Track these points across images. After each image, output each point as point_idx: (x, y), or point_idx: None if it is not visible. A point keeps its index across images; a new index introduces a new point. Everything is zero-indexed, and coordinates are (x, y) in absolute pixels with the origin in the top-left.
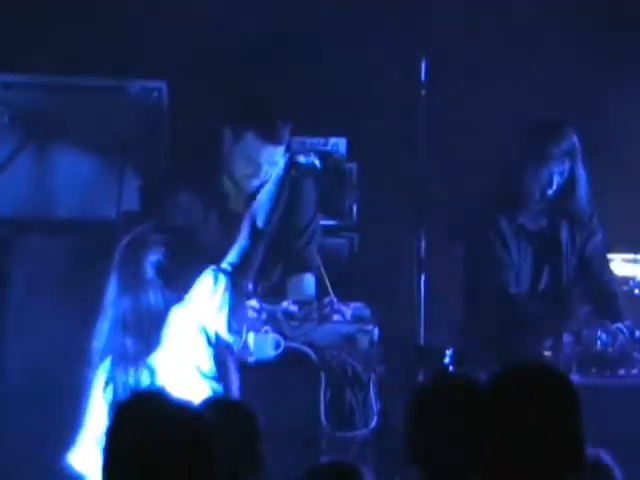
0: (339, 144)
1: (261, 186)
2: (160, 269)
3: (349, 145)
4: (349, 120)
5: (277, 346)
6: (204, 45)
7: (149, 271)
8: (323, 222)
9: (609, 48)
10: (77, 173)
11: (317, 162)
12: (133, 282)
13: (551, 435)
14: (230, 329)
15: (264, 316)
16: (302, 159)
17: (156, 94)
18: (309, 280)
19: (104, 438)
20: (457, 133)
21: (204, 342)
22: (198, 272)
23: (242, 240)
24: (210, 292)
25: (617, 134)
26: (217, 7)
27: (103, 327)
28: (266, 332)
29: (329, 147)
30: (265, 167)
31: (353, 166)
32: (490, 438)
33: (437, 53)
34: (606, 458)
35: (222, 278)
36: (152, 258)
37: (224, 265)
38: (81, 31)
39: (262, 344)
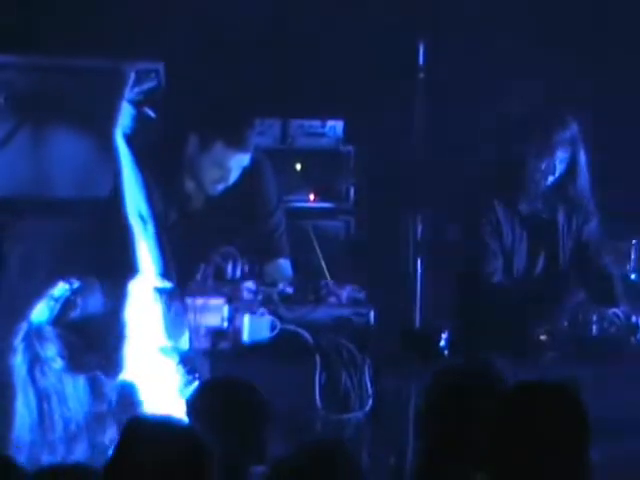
0: (336, 127)
1: (225, 189)
2: (67, 357)
3: (346, 128)
4: (346, 103)
5: (273, 328)
6: (202, 28)
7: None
8: (320, 205)
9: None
10: (73, 154)
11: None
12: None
13: (560, 459)
14: (176, 335)
15: (260, 298)
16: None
17: (153, 76)
18: (285, 265)
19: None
20: (455, 117)
21: (167, 358)
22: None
23: (141, 242)
24: (145, 307)
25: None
26: None
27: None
28: (262, 314)
29: (326, 130)
30: (233, 172)
31: (350, 149)
32: (502, 446)
33: (435, 36)
34: None
35: (149, 290)
36: (53, 352)
37: (145, 277)
38: (78, 11)
39: (258, 326)
